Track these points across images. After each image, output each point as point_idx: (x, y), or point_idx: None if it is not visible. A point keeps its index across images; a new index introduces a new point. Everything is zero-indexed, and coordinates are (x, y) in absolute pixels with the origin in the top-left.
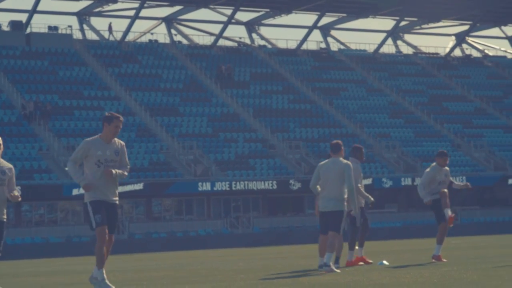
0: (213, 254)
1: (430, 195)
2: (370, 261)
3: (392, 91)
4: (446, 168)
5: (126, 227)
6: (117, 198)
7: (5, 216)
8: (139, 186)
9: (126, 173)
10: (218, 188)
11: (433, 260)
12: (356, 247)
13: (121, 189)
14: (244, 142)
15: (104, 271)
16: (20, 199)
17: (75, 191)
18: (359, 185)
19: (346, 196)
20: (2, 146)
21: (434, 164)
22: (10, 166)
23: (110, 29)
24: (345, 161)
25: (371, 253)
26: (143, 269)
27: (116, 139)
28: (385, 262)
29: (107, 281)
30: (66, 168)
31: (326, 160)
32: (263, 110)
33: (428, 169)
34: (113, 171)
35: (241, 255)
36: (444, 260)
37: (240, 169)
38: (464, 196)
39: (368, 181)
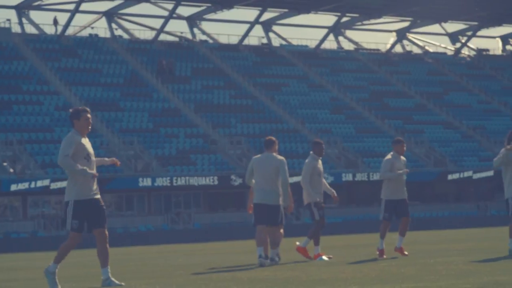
0: (154, 250)
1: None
2: (311, 255)
3: (333, 87)
4: (403, 157)
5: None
6: (99, 193)
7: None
8: None
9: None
10: (159, 183)
11: (397, 253)
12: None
13: (60, 184)
14: (185, 138)
15: (109, 269)
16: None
17: (13, 187)
18: (323, 179)
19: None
20: None
21: (392, 152)
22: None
23: (55, 22)
24: (279, 157)
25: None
26: (82, 265)
27: None
28: (324, 257)
29: (112, 278)
30: (63, 164)
31: (260, 155)
32: (204, 105)
33: (388, 156)
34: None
35: (182, 251)
36: (406, 253)
37: (181, 165)
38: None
39: None
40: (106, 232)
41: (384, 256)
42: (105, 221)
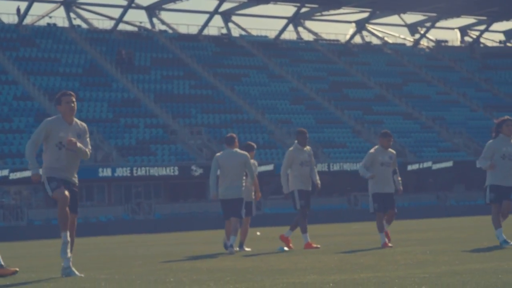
0: (114, 240)
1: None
2: (292, 246)
3: (293, 78)
4: (392, 150)
5: (25, 213)
6: (76, 182)
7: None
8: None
9: (88, 153)
10: (119, 174)
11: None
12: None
13: (19, 175)
14: (145, 128)
15: (71, 258)
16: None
17: None
18: (314, 167)
19: (245, 184)
20: None
21: (377, 146)
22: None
23: (18, 12)
24: (243, 152)
25: (273, 238)
26: (41, 256)
27: (78, 121)
28: (285, 248)
29: (73, 268)
30: (26, 148)
31: (222, 152)
32: (164, 95)
33: (371, 150)
34: (78, 144)
35: (142, 242)
36: (390, 244)
37: (141, 155)
38: (364, 181)
39: (270, 167)
40: (76, 221)
41: (390, 244)
42: (77, 206)
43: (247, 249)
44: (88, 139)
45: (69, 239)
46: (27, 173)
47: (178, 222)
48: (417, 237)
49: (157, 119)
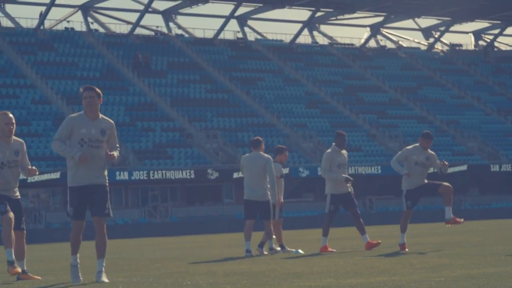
0: (131, 243)
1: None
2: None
3: (308, 81)
4: (431, 152)
5: (43, 216)
6: (105, 181)
7: (17, 194)
8: (56, 175)
9: (117, 156)
10: (136, 177)
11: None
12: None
13: (37, 178)
14: (161, 131)
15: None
16: (37, 172)
17: None
18: (344, 170)
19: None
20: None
21: (417, 144)
22: (21, 141)
23: (41, 16)
24: (266, 155)
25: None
26: (59, 259)
27: (105, 117)
28: (300, 250)
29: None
30: (53, 148)
31: (248, 154)
32: (180, 99)
33: (409, 147)
34: (115, 154)
35: (159, 245)
36: (407, 249)
37: (158, 158)
38: (379, 185)
39: (285, 170)
40: (104, 221)
41: (406, 250)
42: (105, 208)
43: (277, 248)
44: (115, 138)
45: (78, 261)
46: (45, 176)
47: (194, 225)
48: (432, 240)
49: (174, 123)
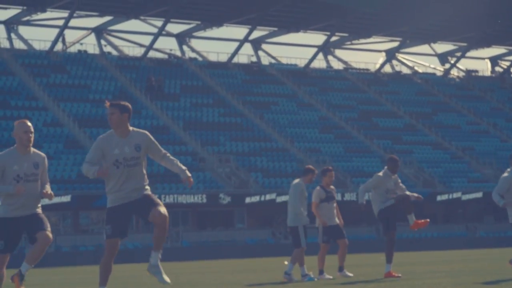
0: (141, 268)
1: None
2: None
3: (322, 106)
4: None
5: (53, 240)
6: (147, 189)
7: (39, 211)
8: (66, 199)
9: (173, 158)
10: None
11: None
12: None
13: (48, 201)
14: (174, 155)
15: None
16: (52, 197)
17: None
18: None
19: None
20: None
21: (509, 168)
22: (43, 155)
23: (63, 40)
24: (295, 181)
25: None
26: (69, 283)
27: (135, 129)
28: (311, 275)
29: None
30: (84, 170)
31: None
32: (193, 123)
33: (505, 174)
34: (187, 172)
35: (169, 270)
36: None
37: (170, 182)
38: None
39: None
40: (167, 219)
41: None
42: (158, 204)
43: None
44: (158, 147)
45: None
46: (55, 200)
47: (205, 250)
48: (446, 268)
49: (186, 147)
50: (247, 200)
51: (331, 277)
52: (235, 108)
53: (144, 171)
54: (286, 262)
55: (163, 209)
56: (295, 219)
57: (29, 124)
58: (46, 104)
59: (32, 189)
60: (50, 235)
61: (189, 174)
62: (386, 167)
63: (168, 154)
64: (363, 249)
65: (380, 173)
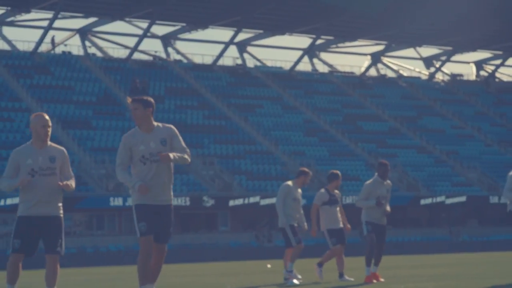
0: (124, 270)
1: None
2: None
3: (307, 109)
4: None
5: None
6: (170, 199)
7: (61, 211)
8: None
9: (187, 157)
10: (130, 203)
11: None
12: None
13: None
14: None
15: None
16: (70, 188)
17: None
18: (382, 201)
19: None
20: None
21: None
22: (62, 149)
23: (53, 42)
24: (283, 184)
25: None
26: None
27: (160, 124)
28: (295, 281)
29: None
30: (118, 177)
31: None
32: (177, 125)
33: (369, 181)
34: (171, 155)
35: None
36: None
37: None
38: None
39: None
40: (165, 248)
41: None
42: (168, 234)
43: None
44: (180, 142)
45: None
46: None
47: (188, 253)
48: (429, 272)
49: None
50: (231, 203)
51: (352, 279)
52: (219, 110)
53: (171, 168)
54: (269, 266)
55: (165, 246)
56: (281, 221)
57: (47, 117)
58: (29, 105)
59: (48, 184)
60: (59, 256)
61: (171, 156)
62: (376, 174)
63: (187, 156)
64: (349, 252)
65: (369, 181)
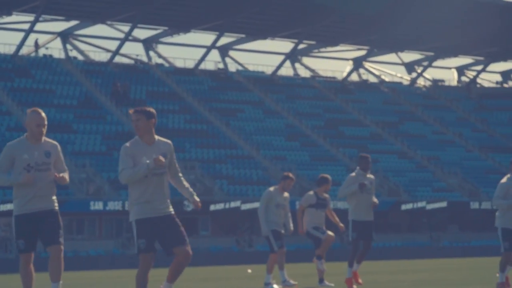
0: (103, 275)
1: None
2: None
3: (289, 114)
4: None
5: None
6: (170, 208)
7: (56, 205)
8: None
9: (180, 176)
10: (111, 207)
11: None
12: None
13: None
14: None
15: None
16: (66, 181)
17: None
18: (373, 198)
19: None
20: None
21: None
22: (55, 144)
23: (36, 45)
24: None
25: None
26: None
27: (161, 138)
28: (274, 286)
29: None
30: (124, 180)
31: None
32: (159, 129)
33: (503, 180)
34: (161, 158)
35: (131, 277)
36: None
37: None
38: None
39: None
40: (189, 250)
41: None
42: (182, 237)
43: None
44: (174, 160)
45: None
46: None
47: (168, 258)
48: (410, 278)
49: None
50: (212, 207)
51: (332, 284)
52: (201, 114)
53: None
54: (249, 271)
55: (189, 247)
56: (264, 229)
57: (43, 115)
58: (10, 108)
59: (44, 179)
60: (62, 247)
61: (198, 199)
62: (358, 167)
63: (181, 174)
64: (331, 257)
65: (353, 173)
